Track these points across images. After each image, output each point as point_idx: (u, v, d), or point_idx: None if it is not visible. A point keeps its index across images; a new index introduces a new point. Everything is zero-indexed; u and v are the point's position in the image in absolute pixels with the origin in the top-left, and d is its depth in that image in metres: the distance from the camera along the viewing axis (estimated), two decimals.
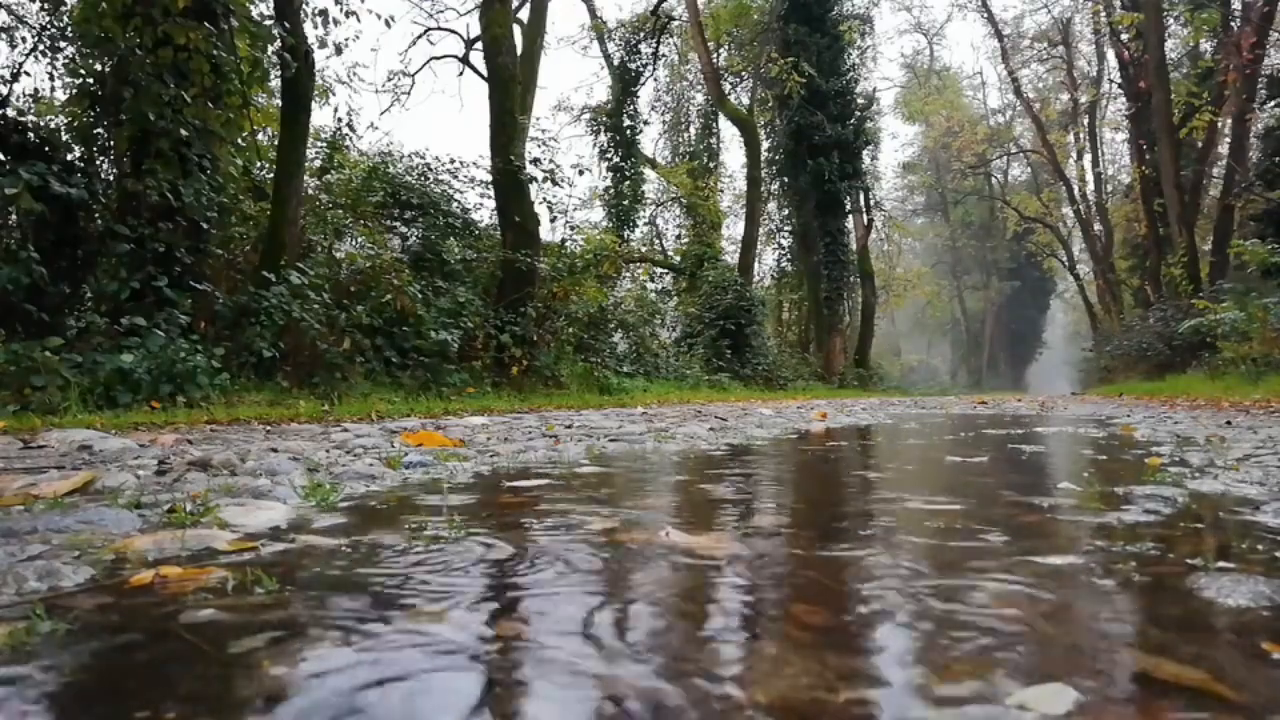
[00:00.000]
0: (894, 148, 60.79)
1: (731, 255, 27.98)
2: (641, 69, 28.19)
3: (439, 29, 23.19)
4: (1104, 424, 6.30)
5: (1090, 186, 37.25)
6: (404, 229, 13.44)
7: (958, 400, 18.83)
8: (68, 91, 8.41)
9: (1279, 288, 13.69)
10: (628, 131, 27.20)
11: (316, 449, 3.43)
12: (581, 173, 16.30)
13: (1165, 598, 1.17)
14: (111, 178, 8.15)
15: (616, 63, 28.10)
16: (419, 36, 23.40)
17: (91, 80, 7.94)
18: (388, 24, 11.18)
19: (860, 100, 28.96)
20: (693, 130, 30.91)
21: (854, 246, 29.59)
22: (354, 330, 9.14)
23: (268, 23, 9.04)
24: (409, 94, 28.63)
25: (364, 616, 1.06)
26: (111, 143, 8.04)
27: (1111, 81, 34.02)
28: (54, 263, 7.19)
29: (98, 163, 8.21)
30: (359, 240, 11.98)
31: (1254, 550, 1.47)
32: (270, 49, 9.12)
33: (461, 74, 27.79)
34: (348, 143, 13.86)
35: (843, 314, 29.05)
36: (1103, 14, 28.63)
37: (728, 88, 28.07)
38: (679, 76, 31.51)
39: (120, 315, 6.97)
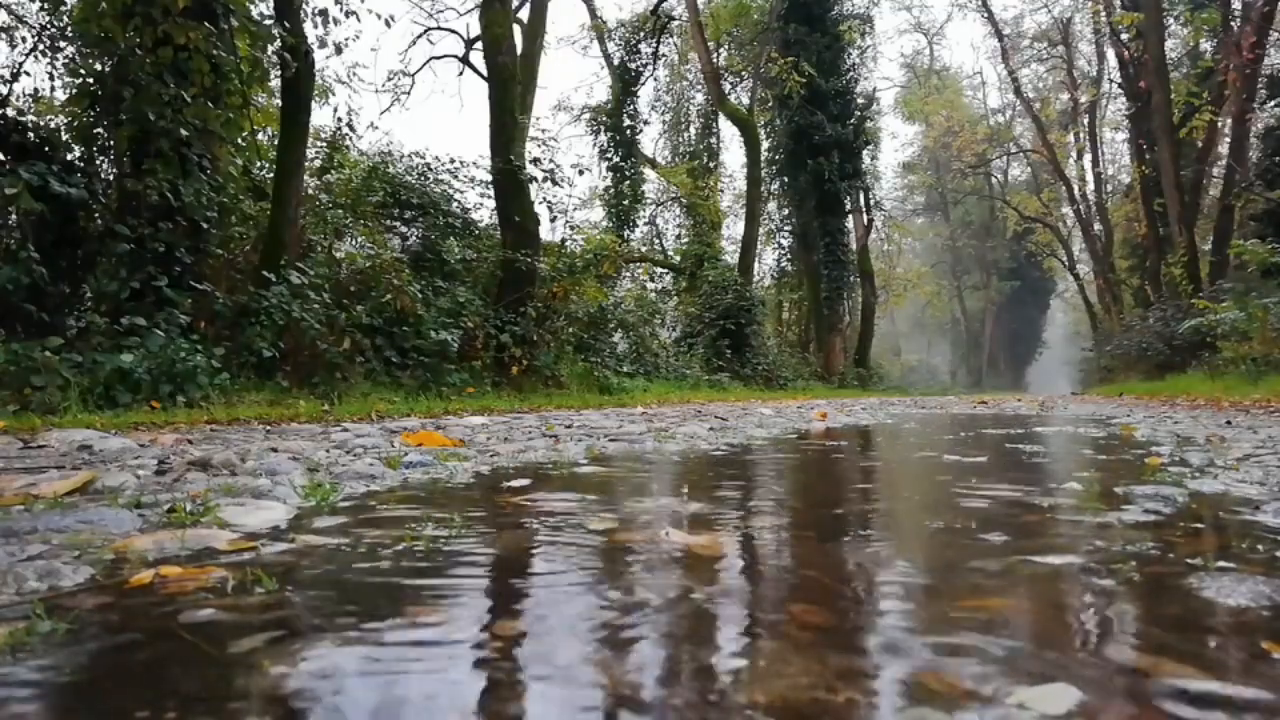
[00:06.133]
0: (894, 148, 60.76)
1: (731, 255, 27.96)
2: (641, 69, 28.18)
3: (439, 29, 23.21)
4: (1104, 424, 6.30)
5: (1090, 186, 37.27)
6: (404, 229, 13.43)
7: (958, 400, 18.83)
8: (68, 91, 8.39)
9: (1279, 288, 13.69)
10: (628, 131, 27.19)
11: (316, 449, 3.43)
12: (581, 173, 16.34)
13: (1165, 597, 1.17)
14: (111, 178, 8.14)
15: (616, 63, 28.09)
16: (419, 36, 23.43)
17: (91, 80, 7.94)
18: (388, 24, 11.18)
19: (860, 100, 28.95)
20: (693, 130, 30.90)
21: (854, 246, 29.58)
22: (354, 330, 9.14)
23: (268, 23, 9.03)
24: (409, 94, 28.57)
25: (364, 616, 1.06)
26: (111, 143, 8.03)
27: (1111, 81, 34.04)
28: (54, 263, 7.18)
29: (98, 163, 8.20)
30: (359, 240, 11.97)
31: (1254, 550, 1.47)
32: (270, 49, 9.10)
33: (461, 74, 27.78)
34: (348, 143, 13.84)
35: (843, 314, 29.03)
36: (1103, 14, 28.62)
37: (728, 88, 28.06)
38: (679, 76, 31.51)
39: (120, 315, 6.96)
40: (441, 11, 30.34)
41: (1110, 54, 32.29)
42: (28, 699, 0.79)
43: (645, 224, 29.70)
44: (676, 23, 28.27)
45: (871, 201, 31.56)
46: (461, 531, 1.65)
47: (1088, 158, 36.74)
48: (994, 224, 50.64)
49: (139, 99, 7.50)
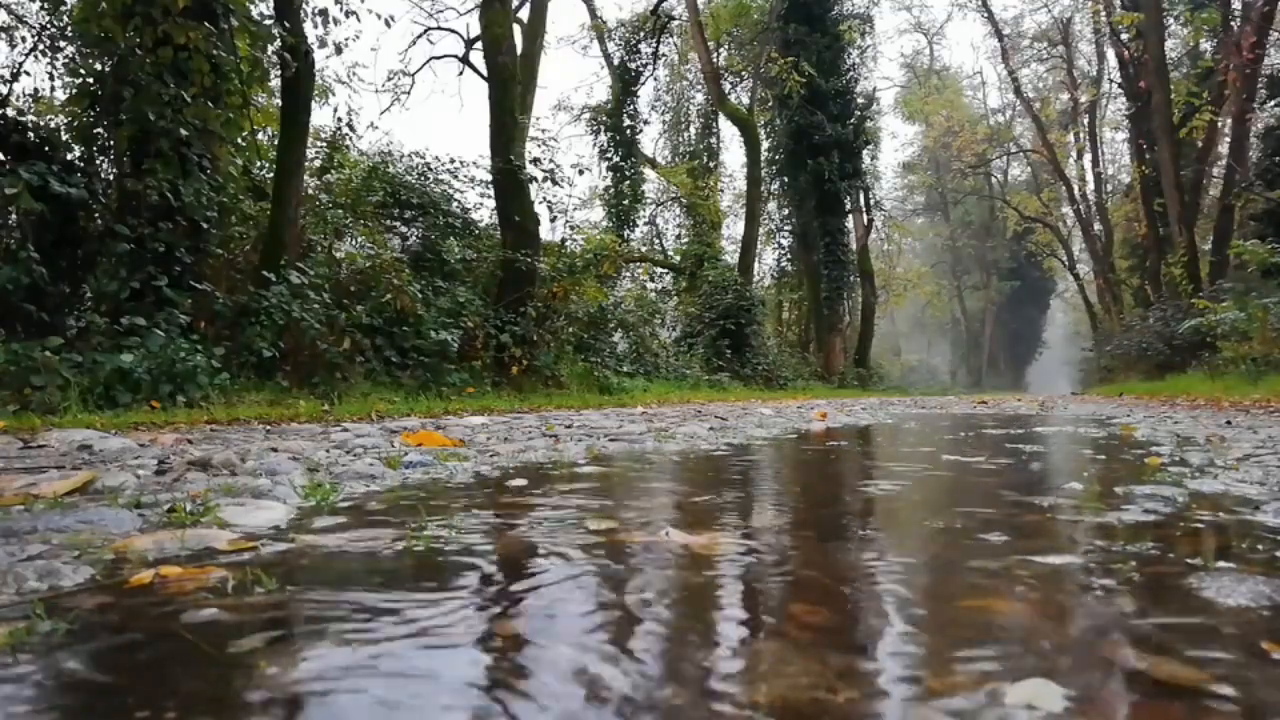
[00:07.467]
0: (894, 148, 60.76)
1: (731, 255, 27.96)
2: (641, 69, 28.18)
3: (439, 29, 23.22)
4: (1104, 424, 6.30)
5: (1090, 186, 37.27)
6: (404, 229, 13.43)
7: (958, 400, 18.83)
8: (68, 91, 8.39)
9: (1279, 288, 13.70)
10: (628, 131, 27.20)
11: (316, 449, 3.43)
12: (581, 173, 16.35)
13: (1165, 597, 1.17)
14: (111, 178, 8.14)
15: (616, 62, 28.09)
16: (419, 36, 23.44)
17: (91, 80, 7.93)
18: (388, 24, 11.17)
19: (860, 100, 28.96)
20: (693, 130, 30.91)
21: (854, 246, 29.59)
22: (354, 330, 9.14)
23: (268, 23, 9.02)
24: (409, 94, 28.63)
25: (364, 617, 1.06)
26: (111, 143, 8.02)
27: (1111, 81, 34.03)
28: (54, 263, 7.18)
29: (98, 163, 8.20)
30: (359, 240, 11.97)
31: (1254, 550, 1.47)
32: (270, 49, 9.10)
33: (461, 74, 27.80)
34: (348, 142, 13.84)
35: (843, 314, 29.04)
36: (1103, 14, 28.61)
37: (728, 88, 28.06)
38: (679, 76, 31.51)
39: (120, 315, 6.96)
40: (441, 11, 30.35)
41: (1110, 54, 32.31)
42: (28, 699, 0.79)
43: (645, 224, 29.74)
44: (676, 23, 28.27)
45: (871, 201, 31.58)
46: (461, 532, 1.65)
47: (1088, 158, 36.76)
48: (994, 224, 50.65)
49: (139, 99, 7.50)
